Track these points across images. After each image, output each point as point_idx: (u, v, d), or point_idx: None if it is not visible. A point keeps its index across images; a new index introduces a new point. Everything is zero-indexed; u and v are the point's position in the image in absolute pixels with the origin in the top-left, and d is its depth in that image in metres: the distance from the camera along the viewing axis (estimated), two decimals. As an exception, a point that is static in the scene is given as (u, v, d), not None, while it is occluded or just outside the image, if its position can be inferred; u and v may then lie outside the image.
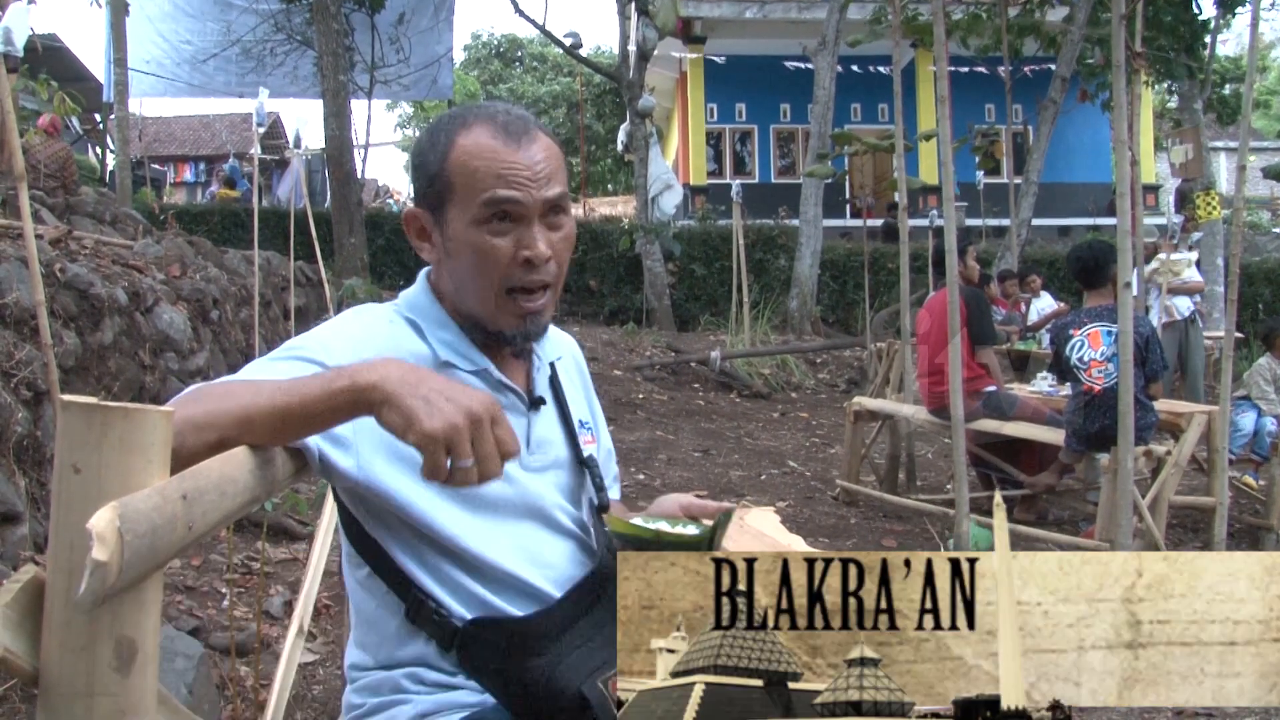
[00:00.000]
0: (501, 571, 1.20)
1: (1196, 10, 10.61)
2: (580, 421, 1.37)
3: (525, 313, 1.22)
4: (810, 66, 12.45)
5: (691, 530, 1.24)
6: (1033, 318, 8.77)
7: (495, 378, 1.26)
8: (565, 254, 1.26)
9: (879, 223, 14.60)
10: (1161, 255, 7.86)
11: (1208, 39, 11.11)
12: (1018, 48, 10.16)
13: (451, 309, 1.27)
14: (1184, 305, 8.04)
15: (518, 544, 1.22)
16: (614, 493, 1.43)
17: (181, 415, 0.87)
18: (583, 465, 1.33)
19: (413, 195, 1.28)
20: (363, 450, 1.12)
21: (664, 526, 1.24)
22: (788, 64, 16.16)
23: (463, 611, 1.18)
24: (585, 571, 1.26)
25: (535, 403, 1.29)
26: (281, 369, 1.09)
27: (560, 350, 1.41)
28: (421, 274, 1.32)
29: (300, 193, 9.63)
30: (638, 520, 1.26)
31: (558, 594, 1.21)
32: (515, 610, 1.19)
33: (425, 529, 1.17)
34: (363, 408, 0.95)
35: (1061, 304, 8.70)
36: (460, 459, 0.93)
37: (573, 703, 1.10)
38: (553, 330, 1.39)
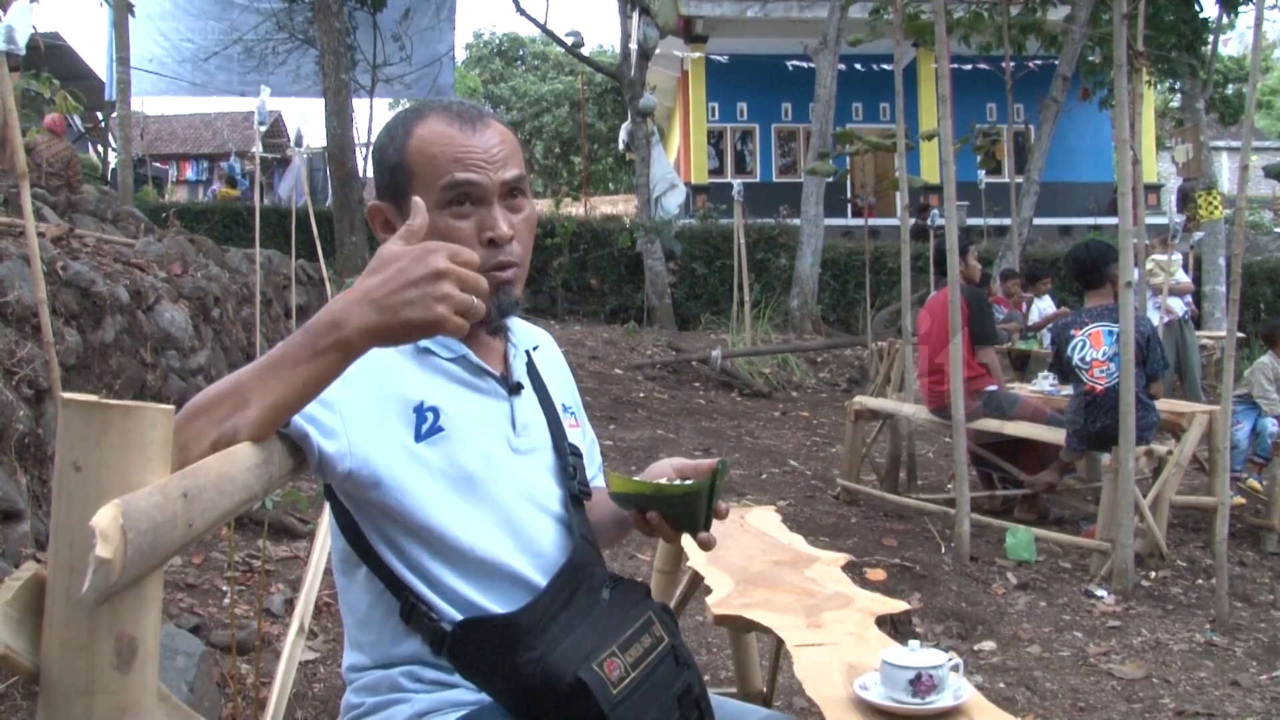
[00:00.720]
0: (490, 562, 1.20)
1: (1198, 9, 10.61)
2: (563, 406, 1.39)
3: (497, 284, 1.23)
4: (812, 65, 12.45)
5: (689, 484, 1.25)
6: (1033, 318, 8.75)
7: (474, 363, 1.27)
8: (527, 236, 1.28)
9: (896, 222, 14.54)
10: (1159, 255, 7.85)
11: (1209, 38, 11.09)
12: (1021, 43, 10.14)
13: None
14: (1178, 305, 8.03)
15: (508, 529, 1.23)
16: (598, 481, 1.45)
17: (182, 429, 0.91)
18: (566, 449, 1.35)
19: (375, 190, 1.31)
20: (354, 439, 1.13)
21: (663, 484, 1.26)
22: (789, 63, 16.14)
23: (452, 614, 1.19)
24: (567, 557, 1.27)
25: (514, 388, 1.31)
26: None
27: (537, 340, 1.44)
28: None
29: (301, 191, 9.63)
30: (638, 479, 1.28)
31: (543, 581, 1.22)
32: (502, 606, 1.19)
33: (415, 519, 1.17)
34: (359, 353, 0.97)
35: (1062, 308, 8.68)
36: (469, 309, 0.96)
37: (570, 690, 1.10)
38: (528, 325, 1.43)
